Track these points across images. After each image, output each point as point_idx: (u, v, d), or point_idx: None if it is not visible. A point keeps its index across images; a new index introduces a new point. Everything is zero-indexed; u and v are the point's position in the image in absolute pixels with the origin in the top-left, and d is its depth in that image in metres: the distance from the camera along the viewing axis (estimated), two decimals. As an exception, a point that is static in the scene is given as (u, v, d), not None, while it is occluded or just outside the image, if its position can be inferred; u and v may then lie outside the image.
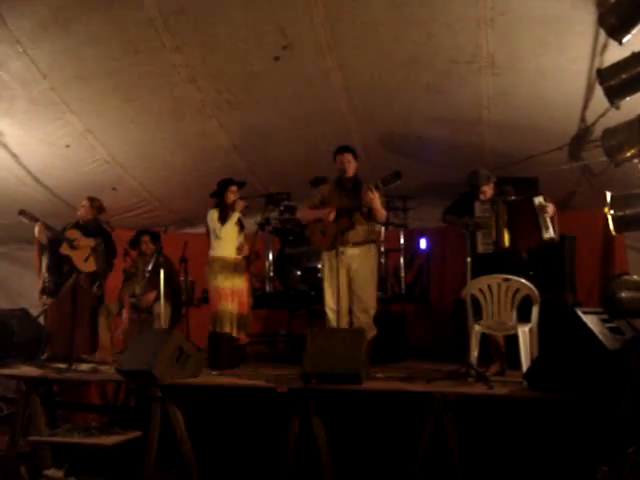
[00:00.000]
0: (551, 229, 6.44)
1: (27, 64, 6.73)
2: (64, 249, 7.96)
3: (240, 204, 7.30)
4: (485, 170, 6.80)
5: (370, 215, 6.74)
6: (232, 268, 7.23)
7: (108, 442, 5.82)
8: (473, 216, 6.62)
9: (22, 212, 7.85)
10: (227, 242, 7.28)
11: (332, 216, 6.69)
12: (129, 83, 7.20)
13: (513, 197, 6.81)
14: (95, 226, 8.16)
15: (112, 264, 8.25)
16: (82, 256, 7.99)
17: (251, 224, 8.79)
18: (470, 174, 6.76)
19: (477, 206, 6.66)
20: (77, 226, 8.15)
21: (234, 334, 7.14)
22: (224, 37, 6.61)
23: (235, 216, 7.26)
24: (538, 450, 5.36)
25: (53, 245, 8.04)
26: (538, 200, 6.45)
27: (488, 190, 6.70)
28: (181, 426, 6.01)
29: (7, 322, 8.01)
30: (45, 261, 8.13)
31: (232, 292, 7.19)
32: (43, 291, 8.13)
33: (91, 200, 8.19)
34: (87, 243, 8.02)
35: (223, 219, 7.26)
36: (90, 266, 8.03)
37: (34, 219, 7.87)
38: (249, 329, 7.41)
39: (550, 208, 6.41)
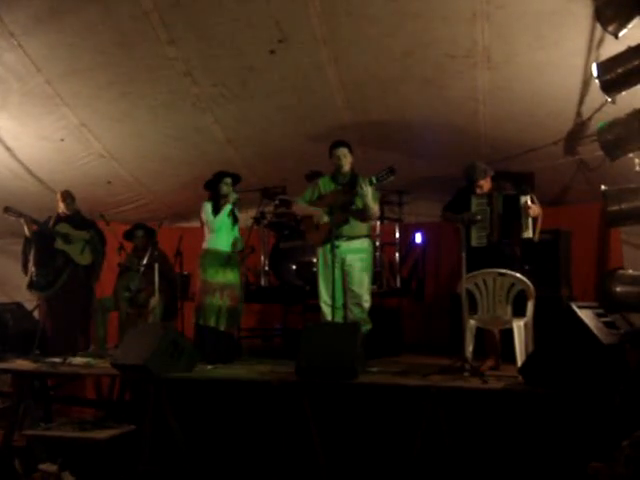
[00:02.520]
0: (530, 230, 6.49)
1: (21, 57, 6.71)
2: (59, 245, 7.93)
3: (233, 197, 7.26)
4: (482, 164, 6.79)
5: (362, 211, 6.72)
6: (224, 261, 7.19)
7: (102, 436, 5.81)
8: (470, 210, 6.62)
9: (7, 209, 7.79)
10: (220, 235, 7.23)
11: (324, 219, 6.71)
12: (124, 77, 7.18)
13: (510, 192, 6.81)
14: (79, 217, 8.15)
15: (104, 252, 8.24)
16: (77, 250, 7.97)
17: (246, 218, 8.79)
18: (467, 168, 6.75)
19: (473, 200, 6.66)
20: (62, 219, 8.11)
21: (221, 328, 7.10)
22: (219, 30, 6.60)
23: (227, 208, 7.23)
24: (533, 444, 5.37)
25: (39, 239, 7.99)
26: (524, 199, 6.46)
27: (485, 184, 6.70)
28: (175, 420, 6.00)
29: (1, 316, 8.00)
30: (33, 255, 8.06)
31: (222, 286, 7.16)
32: (31, 285, 8.07)
33: (64, 199, 8.16)
34: (80, 236, 8.00)
35: (216, 211, 7.22)
36: (86, 258, 8.02)
37: (20, 215, 7.82)
38: (239, 323, 7.37)
39: (532, 210, 6.43)
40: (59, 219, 8.11)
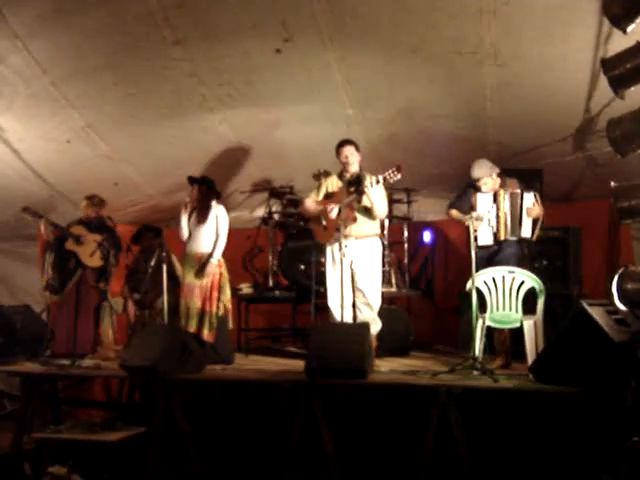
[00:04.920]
0: (528, 229, 6.50)
1: (27, 59, 6.69)
2: (69, 245, 7.94)
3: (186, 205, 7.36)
4: (488, 162, 6.77)
5: (370, 209, 6.69)
6: (196, 263, 7.19)
7: (112, 438, 5.81)
8: (475, 209, 6.60)
9: (25, 209, 7.80)
10: (191, 238, 7.29)
11: (334, 213, 6.65)
12: (130, 77, 7.18)
13: (517, 189, 6.78)
14: (98, 222, 8.14)
15: (118, 259, 8.23)
16: (88, 251, 7.95)
17: (254, 218, 8.79)
18: (472, 165, 6.74)
19: (479, 198, 6.64)
20: (81, 222, 8.11)
21: (191, 330, 7.03)
22: (225, 30, 6.58)
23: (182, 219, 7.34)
24: (544, 442, 5.34)
25: (58, 243, 8.00)
26: (528, 197, 6.46)
27: (490, 182, 6.67)
28: (184, 421, 6.00)
29: (10, 319, 7.99)
30: (50, 259, 8.06)
31: (189, 287, 7.18)
32: (47, 288, 8.08)
33: (89, 199, 8.15)
34: (93, 238, 8.00)
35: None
36: (96, 261, 8.00)
37: (38, 215, 7.83)
38: (213, 327, 7.15)
39: (532, 210, 6.43)
40: (78, 221, 8.14)
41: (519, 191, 6.63)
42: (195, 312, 7.08)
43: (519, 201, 6.53)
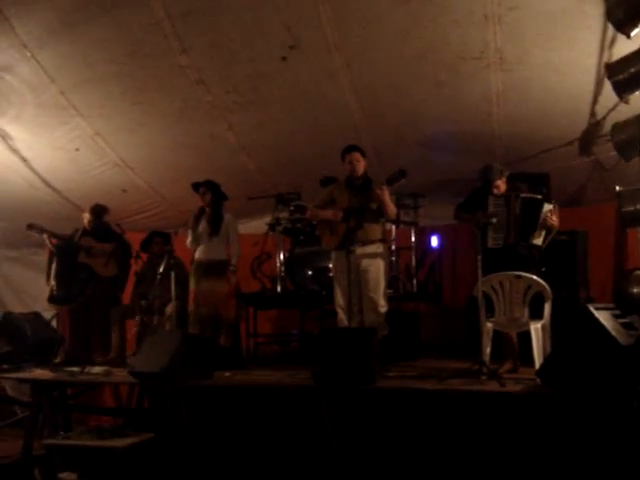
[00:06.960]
0: (541, 238, 6.45)
1: (35, 69, 6.76)
2: (82, 258, 7.97)
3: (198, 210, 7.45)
4: (498, 164, 6.76)
5: (380, 212, 6.70)
6: (205, 270, 7.24)
7: (121, 445, 5.82)
8: (486, 211, 6.57)
9: (31, 226, 7.84)
10: (202, 246, 7.36)
11: (340, 217, 6.67)
12: (137, 86, 7.22)
13: (526, 193, 6.77)
14: (105, 230, 8.17)
15: (129, 265, 8.27)
16: (101, 262, 8.01)
17: (261, 224, 8.80)
18: (483, 169, 6.72)
19: (491, 201, 6.61)
20: (87, 233, 8.15)
21: (206, 336, 7.07)
22: (231, 38, 6.62)
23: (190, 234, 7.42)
24: (551, 447, 5.33)
25: (62, 252, 8.02)
26: (548, 207, 6.41)
27: (502, 185, 6.65)
28: (194, 427, 6.01)
29: (20, 326, 8.01)
30: (54, 269, 8.09)
31: (204, 294, 7.21)
32: (51, 299, 8.12)
33: (92, 211, 8.18)
34: (104, 248, 8.04)
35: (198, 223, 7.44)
36: (111, 271, 8.05)
37: (42, 231, 7.87)
38: (227, 332, 7.28)
39: (552, 221, 6.39)
40: (85, 232, 8.16)
41: (539, 197, 6.58)
42: (210, 318, 7.11)
43: (538, 208, 6.47)
